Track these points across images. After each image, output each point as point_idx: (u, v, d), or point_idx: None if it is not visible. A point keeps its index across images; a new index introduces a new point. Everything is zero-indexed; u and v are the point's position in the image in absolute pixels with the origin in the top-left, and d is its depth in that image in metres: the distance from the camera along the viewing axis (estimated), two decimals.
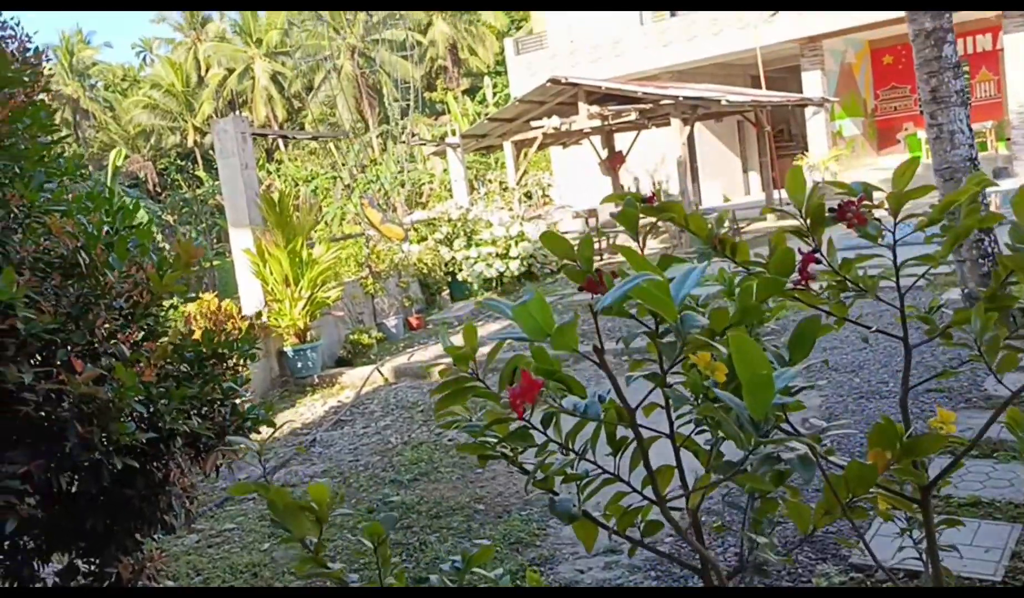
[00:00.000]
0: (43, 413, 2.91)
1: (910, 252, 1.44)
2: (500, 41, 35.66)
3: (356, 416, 7.74)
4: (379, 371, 8.86)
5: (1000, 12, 19.59)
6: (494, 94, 34.86)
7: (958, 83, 7.02)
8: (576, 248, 1.41)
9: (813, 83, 22.00)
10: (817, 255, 1.33)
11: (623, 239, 17.45)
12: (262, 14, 44.49)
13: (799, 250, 1.31)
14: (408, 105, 25.11)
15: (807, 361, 1.32)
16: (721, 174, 24.80)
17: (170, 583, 4.35)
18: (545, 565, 4.22)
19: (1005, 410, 1.36)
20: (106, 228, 3.16)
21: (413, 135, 29.48)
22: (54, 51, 46.00)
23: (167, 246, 23.88)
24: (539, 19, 26.57)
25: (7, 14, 4.07)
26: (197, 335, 3.58)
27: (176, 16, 45.50)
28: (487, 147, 19.17)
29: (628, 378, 1.31)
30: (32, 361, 2.93)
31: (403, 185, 25.94)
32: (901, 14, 7.29)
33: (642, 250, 1.44)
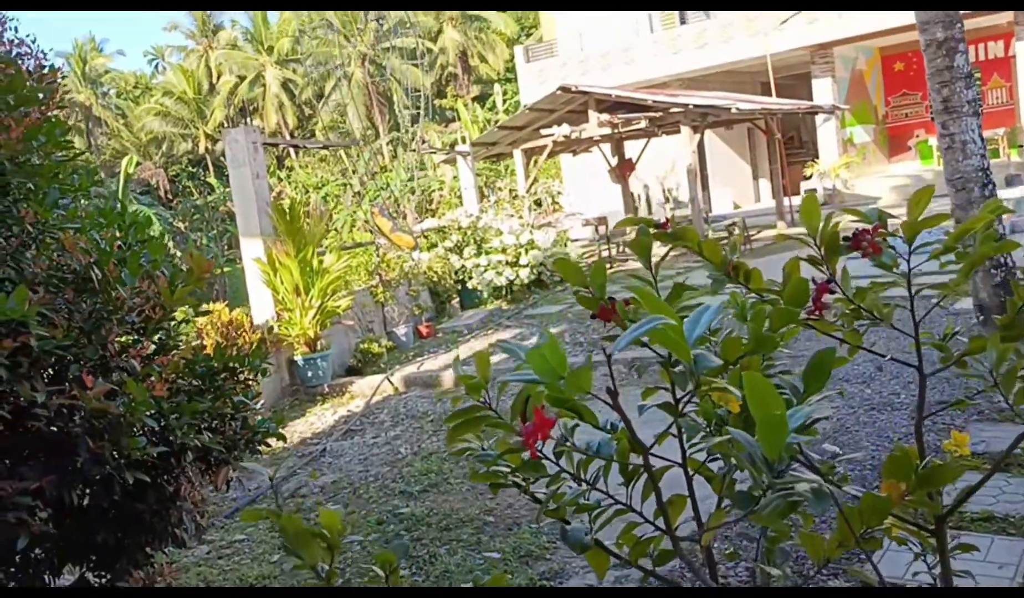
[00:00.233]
0: (55, 428, 2.92)
1: (926, 269, 1.43)
2: (510, 48, 35.72)
3: (366, 426, 7.75)
4: (389, 380, 8.87)
5: (1012, 19, 19.52)
6: (504, 101, 34.90)
7: (970, 93, 6.99)
8: (589, 274, 1.40)
9: (824, 90, 21.95)
10: (831, 285, 1.32)
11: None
12: (273, 21, 44.72)
13: (813, 280, 1.30)
14: (418, 112, 25.18)
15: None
16: (731, 181, 24.76)
17: None
18: (555, 579, 4.21)
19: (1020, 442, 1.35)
20: (118, 243, 3.17)
21: (423, 142, 29.56)
22: (67, 59, 46.35)
23: (178, 253, 24.01)
24: (549, 27, 26.61)
25: (24, 30, 4.10)
26: (208, 346, 3.59)
27: (188, 24, 45.78)
28: (497, 155, 19.20)
29: (641, 408, 1.30)
30: (44, 376, 2.95)
31: (413, 192, 25.99)
32: (912, 21, 7.25)
33: (655, 278, 1.44)
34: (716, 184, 24.03)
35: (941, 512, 1.32)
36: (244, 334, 7.45)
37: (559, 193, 21.09)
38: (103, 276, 2.98)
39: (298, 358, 8.98)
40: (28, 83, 2.94)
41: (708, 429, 1.35)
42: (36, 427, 2.83)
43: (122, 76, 50.36)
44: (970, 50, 10.62)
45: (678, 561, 1.33)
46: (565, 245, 14.76)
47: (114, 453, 2.92)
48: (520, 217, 14.64)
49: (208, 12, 45.09)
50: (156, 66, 52.07)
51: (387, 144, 34.53)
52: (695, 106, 15.18)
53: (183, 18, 46.62)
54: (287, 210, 9.14)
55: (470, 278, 13.09)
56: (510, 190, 18.08)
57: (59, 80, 3.13)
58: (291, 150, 39.78)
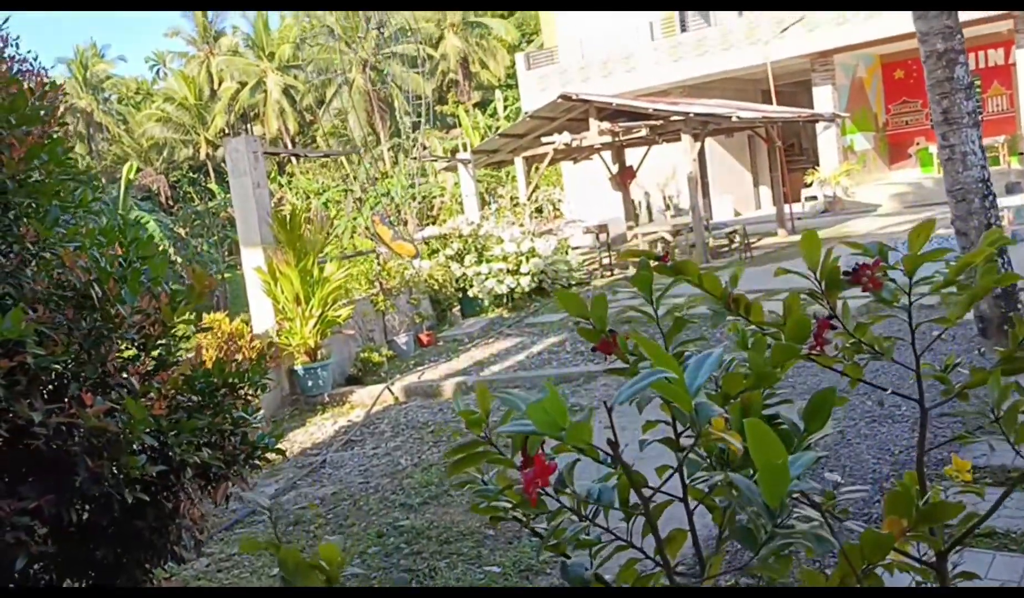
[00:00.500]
0: (54, 446, 2.92)
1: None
2: (511, 54, 35.79)
3: (366, 436, 7.74)
4: (389, 390, 8.86)
5: (1013, 27, 19.55)
6: (505, 107, 34.95)
7: (970, 104, 6.99)
8: (590, 306, 1.40)
9: (824, 97, 21.97)
10: (832, 321, 1.32)
11: None
12: (274, 27, 44.81)
13: (814, 316, 1.30)
14: (419, 119, 25.23)
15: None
16: (732, 188, 24.77)
17: None
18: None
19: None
20: (119, 260, 3.17)
21: (424, 148, 29.59)
22: (68, 64, 46.47)
23: (179, 260, 24.03)
24: (550, 33, 26.65)
25: (27, 35, 4.11)
26: (207, 355, 3.59)
27: (189, 30, 45.88)
28: (498, 162, 19.22)
29: (642, 443, 1.30)
30: (43, 394, 2.95)
31: (414, 199, 26.02)
32: (912, 29, 7.25)
33: (656, 310, 1.43)
34: (717, 191, 24.04)
35: (942, 548, 1.32)
36: (244, 346, 7.44)
37: (560, 200, 21.12)
38: (103, 294, 2.98)
39: (298, 368, 8.98)
40: (30, 102, 2.94)
41: (709, 461, 1.35)
42: (35, 446, 2.83)
43: (123, 82, 50.47)
44: (970, 58, 10.65)
45: None
46: (566, 253, 14.77)
47: (113, 471, 2.92)
48: (521, 225, 14.65)
49: (209, 18, 45.20)
50: (157, 72, 52.19)
51: (388, 150, 34.59)
52: (696, 114, 15.19)
53: (184, 24, 46.78)
54: (288, 219, 9.14)
55: (471, 286, 13.10)
56: (511, 197, 18.09)
57: (60, 97, 3.13)
58: (292, 156, 39.80)
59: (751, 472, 1.13)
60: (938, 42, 6.93)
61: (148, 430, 2.94)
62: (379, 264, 11.70)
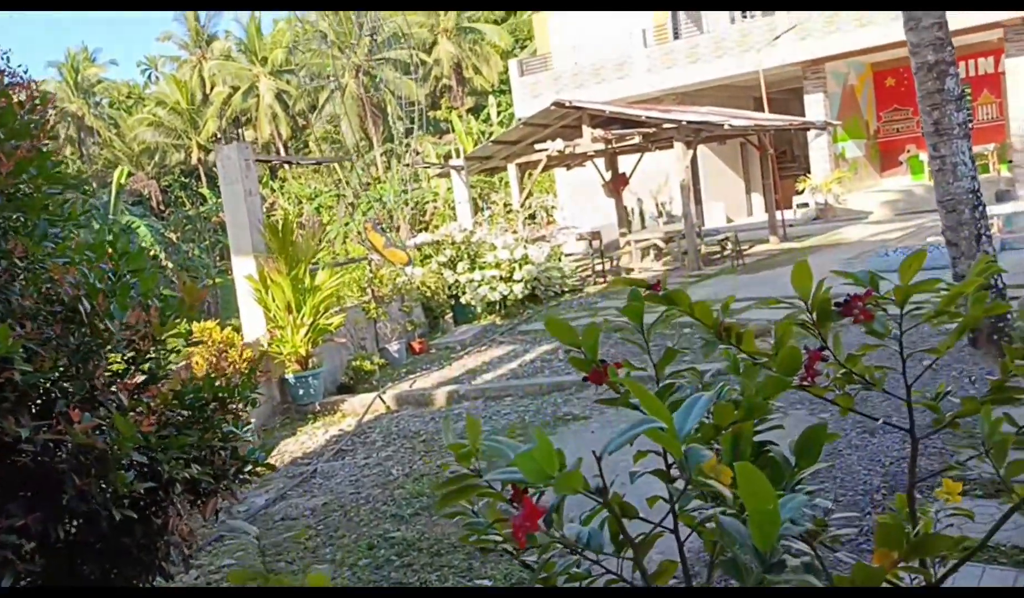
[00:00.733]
0: (41, 463, 2.89)
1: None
2: (504, 60, 35.83)
3: (357, 445, 7.71)
4: (381, 398, 8.84)
5: (1002, 36, 19.66)
6: (498, 113, 35.00)
7: (960, 116, 7.02)
8: (581, 335, 1.39)
9: (816, 105, 22.05)
10: (824, 352, 1.31)
11: (625, 261, 17.45)
12: (267, 32, 44.77)
13: (805, 348, 1.29)
14: (412, 124, 25.23)
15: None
16: (724, 195, 24.84)
17: None
18: None
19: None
20: (109, 274, 3.15)
21: (417, 153, 29.58)
22: (59, 68, 46.30)
23: (169, 265, 23.91)
24: (543, 40, 26.69)
25: (16, 52, 4.08)
26: (198, 367, 3.58)
27: (181, 34, 45.78)
28: (491, 169, 19.22)
29: (632, 474, 1.29)
30: (31, 410, 2.92)
31: (407, 204, 26.00)
32: (903, 37, 7.27)
33: (647, 341, 1.43)
34: (709, 198, 24.11)
35: (933, 581, 1.31)
36: (235, 356, 7.41)
37: (553, 207, 21.12)
38: (92, 309, 2.96)
39: (289, 376, 8.95)
40: (19, 115, 2.93)
41: (701, 491, 1.35)
42: (22, 463, 2.81)
43: (115, 86, 50.35)
44: (960, 66, 10.68)
45: None
46: (559, 260, 14.77)
47: (101, 487, 2.90)
48: (514, 231, 14.65)
49: (201, 22, 45.13)
50: (149, 76, 52.07)
51: (381, 155, 34.56)
52: (688, 122, 15.23)
53: (177, 28, 46.66)
54: (279, 227, 9.12)
55: (464, 293, 13.08)
56: (504, 204, 18.09)
57: (51, 110, 3.11)
58: (284, 163, 39.74)
59: (743, 508, 1.12)
60: (929, 54, 6.96)
61: (136, 446, 2.92)
62: (371, 271, 11.67)
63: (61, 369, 2.94)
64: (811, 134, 22.08)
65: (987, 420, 1.23)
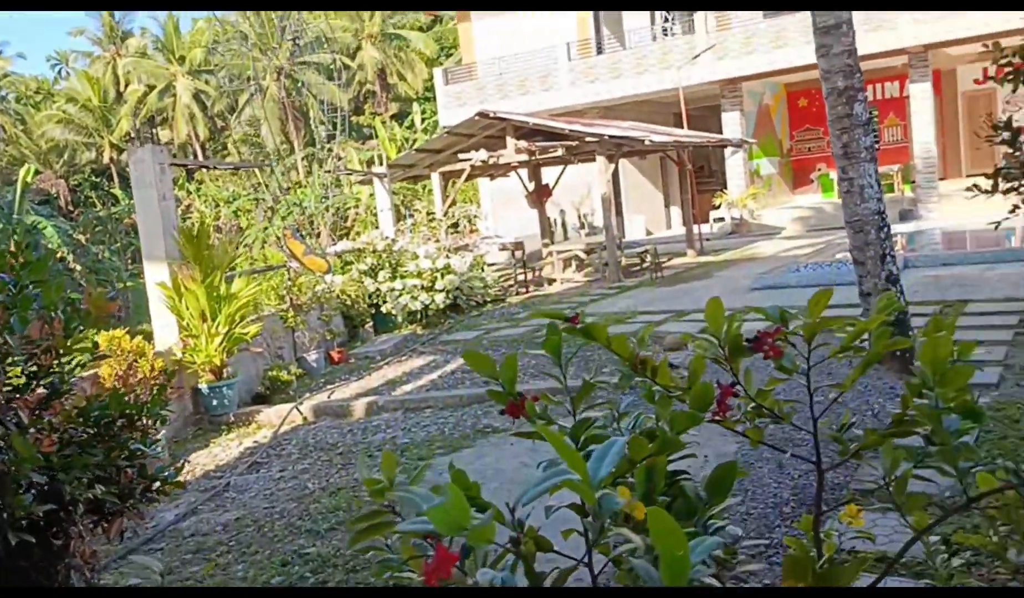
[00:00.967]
0: None
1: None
2: (430, 68, 35.74)
3: (272, 458, 7.55)
4: (298, 409, 8.68)
5: (907, 62, 20.59)
6: (423, 120, 34.88)
7: (868, 140, 7.30)
8: (499, 367, 1.39)
9: (732, 122, 22.68)
10: (736, 387, 1.35)
11: (547, 272, 17.58)
12: (185, 30, 43.64)
13: (717, 382, 1.32)
14: (335, 129, 24.94)
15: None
16: (644, 208, 25.30)
17: None
18: None
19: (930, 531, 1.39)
20: (9, 286, 3.01)
21: (339, 159, 29.23)
22: None
23: (78, 268, 22.98)
24: (469, 50, 26.75)
25: None
26: (106, 379, 3.45)
27: (95, 29, 44.25)
28: (415, 177, 19.13)
29: (547, 509, 1.29)
30: None
31: (328, 210, 25.66)
32: (814, 60, 7.52)
33: (564, 373, 1.43)
34: (630, 211, 24.52)
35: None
36: (145, 366, 7.17)
37: (476, 216, 21.16)
38: None
39: (203, 386, 8.71)
40: None
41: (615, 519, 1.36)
42: None
43: (22, 80, 48.30)
44: (869, 90, 11.17)
45: None
46: (482, 269, 14.78)
47: None
48: (437, 240, 14.60)
49: (116, 18, 43.69)
50: (60, 71, 50.15)
51: (302, 160, 34.04)
52: (610, 137, 15.46)
53: (90, 23, 45.10)
54: (195, 233, 8.88)
55: (385, 302, 12.96)
56: (428, 212, 18.02)
57: None
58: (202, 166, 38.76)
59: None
60: (839, 80, 7.23)
61: (36, 467, 2.79)
62: (290, 278, 11.46)
63: None
64: (728, 151, 22.68)
65: (888, 455, 1.28)
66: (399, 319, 12.99)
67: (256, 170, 29.34)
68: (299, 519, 5.91)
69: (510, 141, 15.64)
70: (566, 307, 13.63)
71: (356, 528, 1.20)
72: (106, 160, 41.83)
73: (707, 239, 20.68)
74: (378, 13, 38.48)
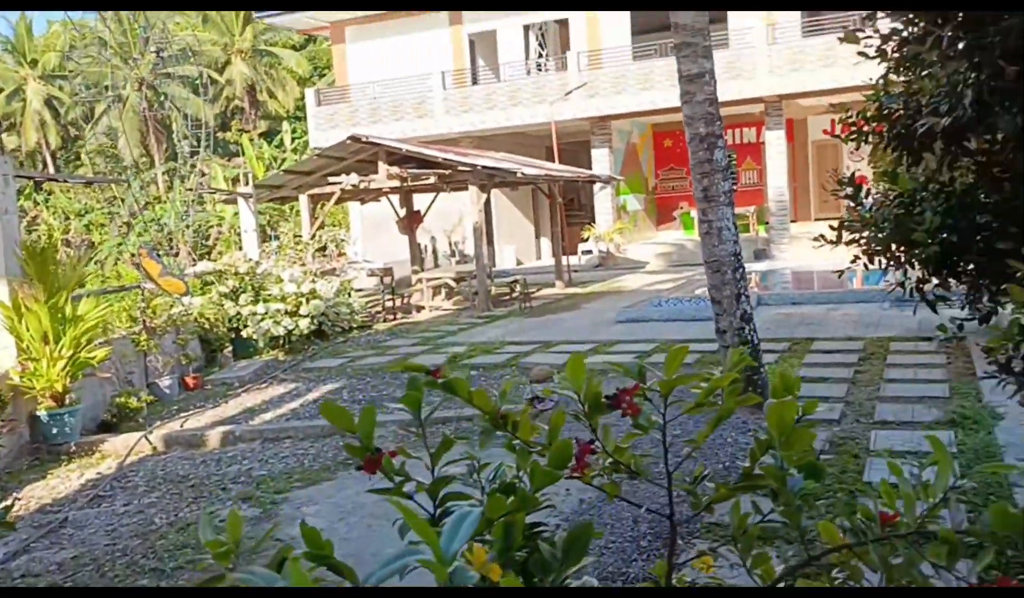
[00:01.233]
0: None
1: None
2: (302, 87, 35.10)
3: (117, 491, 7.10)
4: (147, 439, 8.21)
5: (763, 109, 21.85)
6: (293, 140, 34.16)
7: (726, 185, 7.66)
8: (357, 420, 1.35)
9: (601, 158, 23.40)
10: (594, 444, 1.35)
11: (416, 299, 17.48)
12: (39, 33, 41.21)
13: (576, 439, 1.32)
14: (199, 144, 24.04)
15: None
16: (516, 238, 25.64)
17: None
18: None
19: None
20: None
21: (203, 175, 28.17)
22: None
23: None
24: (342, 72, 26.46)
25: None
26: None
27: None
28: (282, 198, 18.68)
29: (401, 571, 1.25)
30: None
31: (189, 228, 24.65)
32: (679, 103, 7.83)
33: (423, 429, 1.40)
34: (501, 240, 24.78)
35: None
36: None
37: (344, 240, 20.83)
38: None
39: (42, 413, 8.11)
40: None
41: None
42: None
43: None
44: (728, 134, 11.80)
45: None
46: (349, 295, 14.53)
47: None
48: (303, 264, 14.26)
49: None
50: None
51: (163, 174, 32.64)
52: (483, 167, 15.60)
53: None
54: (40, 250, 8.31)
55: (245, 326, 12.52)
56: (295, 235, 17.59)
57: None
58: (52, 172, 36.59)
59: None
60: (701, 126, 7.56)
61: None
62: (144, 299, 10.88)
63: None
64: (597, 186, 23.34)
65: (735, 514, 1.31)
66: (260, 344, 12.57)
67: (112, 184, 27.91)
68: (143, 557, 5.57)
69: (382, 166, 15.52)
70: (434, 334, 13.56)
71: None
72: None
73: (575, 270, 21.13)
74: (249, 28, 37.54)
